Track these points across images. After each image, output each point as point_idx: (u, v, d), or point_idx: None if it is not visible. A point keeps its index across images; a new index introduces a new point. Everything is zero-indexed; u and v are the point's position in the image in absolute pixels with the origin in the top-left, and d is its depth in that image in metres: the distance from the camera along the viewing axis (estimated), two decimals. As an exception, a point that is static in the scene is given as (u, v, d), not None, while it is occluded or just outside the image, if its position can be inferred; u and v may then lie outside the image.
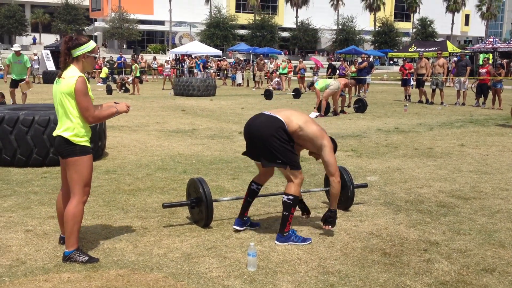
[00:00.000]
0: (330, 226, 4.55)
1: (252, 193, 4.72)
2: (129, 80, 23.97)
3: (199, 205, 4.74)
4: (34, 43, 62.72)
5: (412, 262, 3.98)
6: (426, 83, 19.40)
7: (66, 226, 3.91)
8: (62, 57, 3.98)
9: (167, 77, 28.82)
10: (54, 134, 4.00)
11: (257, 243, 4.32)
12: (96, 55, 4.09)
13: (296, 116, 4.37)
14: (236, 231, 4.62)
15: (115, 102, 4.21)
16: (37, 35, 65.05)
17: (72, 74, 3.88)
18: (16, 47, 13.99)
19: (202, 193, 4.66)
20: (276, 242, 4.35)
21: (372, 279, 3.66)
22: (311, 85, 14.92)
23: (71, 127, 3.89)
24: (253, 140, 4.37)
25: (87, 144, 3.97)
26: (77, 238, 3.94)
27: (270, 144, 4.23)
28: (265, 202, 5.62)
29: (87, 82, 3.93)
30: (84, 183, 3.94)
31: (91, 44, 4.02)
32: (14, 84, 14.01)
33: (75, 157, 3.88)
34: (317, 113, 14.32)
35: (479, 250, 4.26)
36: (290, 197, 4.30)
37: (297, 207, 4.64)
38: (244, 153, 4.65)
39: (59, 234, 4.33)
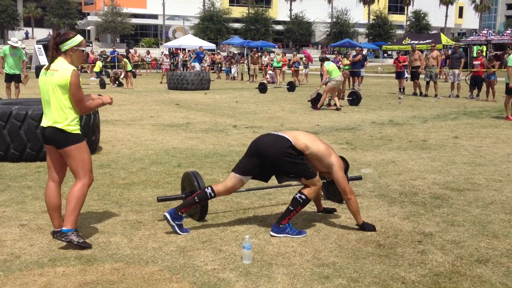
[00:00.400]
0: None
1: (204, 196, 4.46)
2: (121, 76, 23.89)
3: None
4: (27, 37, 62.35)
5: (407, 254, 4.00)
6: (420, 76, 19.44)
7: (68, 206, 4.05)
8: (50, 51, 4.12)
9: (165, 71, 28.22)
10: (44, 125, 4.07)
11: (252, 236, 4.33)
12: (83, 49, 4.18)
13: (303, 136, 4.45)
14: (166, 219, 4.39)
15: (99, 95, 4.40)
16: (29, 29, 64.65)
17: (66, 67, 4.00)
18: (13, 42, 13.70)
19: (196, 186, 4.66)
20: (271, 232, 4.37)
21: (367, 271, 3.68)
22: (323, 60, 14.76)
23: (63, 118, 4.00)
24: (262, 159, 4.37)
25: (79, 131, 4.10)
26: (76, 219, 4.09)
27: (281, 164, 4.31)
28: (260, 195, 5.62)
29: (79, 75, 4.07)
30: (87, 168, 4.12)
31: (78, 38, 4.13)
32: (9, 78, 13.83)
33: (73, 145, 4.03)
34: (317, 89, 14.30)
35: (473, 241, 4.28)
36: (303, 196, 4.35)
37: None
38: (234, 169, 4.54)
39: (52, 229, 4.32)
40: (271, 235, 4.34)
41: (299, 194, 4.37)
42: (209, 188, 4.45)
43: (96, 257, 3.88)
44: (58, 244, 4.11)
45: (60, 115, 4.00)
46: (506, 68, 12.64)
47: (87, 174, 4.12)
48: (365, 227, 4.50)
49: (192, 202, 4.45)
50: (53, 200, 4.24)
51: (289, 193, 5.71)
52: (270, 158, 4.31)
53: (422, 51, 23.98)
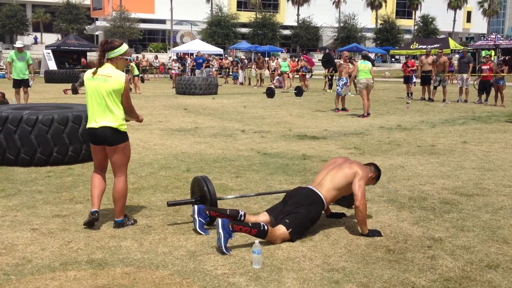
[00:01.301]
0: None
1: (235, 215, 4.49)
2: (129, 79, 23.99)
3: (204, 203, 4.76)
4: (36, 42, 62.78)
5: (416, 259, 4.00)
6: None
7: (119, 201, 4.64)
8: (98, 57, 4.59)
9: (175, 76, 27.90)
10: (95, 126, 4.55)
11: (261, 240, 4.33)
12: (128, 57, 4.68)
13: (332, 180, 4.58)
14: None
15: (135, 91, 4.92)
16: (38, 34, 65.07)
17: (119, 74, 4.51)
18: (18, 43, 13.69)
19: (206, 191, 4.69)
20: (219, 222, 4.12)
21: (377, 276, 3.68)
22: (362, 56, 14.75)
23: (115, 118, 4.53)
24: (290, 200, 4.52)
25: (126, 130, 4.68)
26: (124, 208, 4.72)
27: (299, 213, 4.37)
28: (269, 200, 5.63)
29: None
30: (127, 163, 4.74)
31: (124, 47, 4.62)
32: (18, 84, 13.80)
33: (124, 142, 4.62)
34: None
35: (483, 246, 4.27)
36: (267, 228, 4.20)
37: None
38: (267, 210, 4.66)
39: (91, 209, 4.69)
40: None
41: (267, 226, 4.22)
42: (242, 211, 4.52)
43: (107, 261, 3.90)
44: (70, 248, 4.15)
45: (113, 116, 4.52)
46: None
47: (126, 169, 4.74)
48: (370, 235, 4.49)
49: (223, 211, 4.50)
50: (102, 187, 4.77)
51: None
52: (296, 205, 4.44)
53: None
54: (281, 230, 4.31)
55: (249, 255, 4.00)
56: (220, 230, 4.04)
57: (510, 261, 3.96)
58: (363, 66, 13.86)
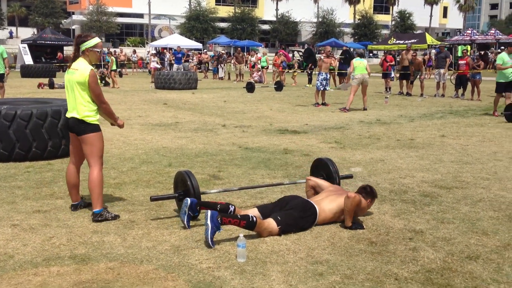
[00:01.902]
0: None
1: (226, 209, 4.53)
2: (108, 74, 23.76)
3: (187, 197, 4.74)
4: (11, 36, 61.69)
5: (398, 251, 4.05)
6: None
7: (94, 191, 4.71)
8: (72, 52, 4.82)
9: (154, 70, 27.30)
10: (68, 116, 4.77)
11: (245, 234, 4.34)
12: (99, 50, 4.79)
13: (332, 203, 4.65)
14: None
15: (117, 117, 5.11)
16: (13, 28, 63.97)
17: (85, 67, 4.66)
18: None
19: (190, 185, 4.68)
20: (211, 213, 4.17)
21: (360, 268, 3.72)
22: (357, 54, 14.93)
23: (83, 110, 4.67)
24: (285, 203, 4.59)
25: (98, 122, 4.76)
26: (102, 199, 4.78)
27: (294, 215, 4.44)
28: (252, 194, 5.65)
29: (96, 74, 4.77)
30: (100, 154, 4.79)
31: (94, 40, 4.77)
32: None
33: (91, 133, 4.70)
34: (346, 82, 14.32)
35: (463, 238, 4.34)
36: (255, 219, 4.23)
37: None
38: (258, 206, 4.74)
39: (71, 203, 5.04)
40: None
41: (255, 218, 4.25)
42: (232, 206, 4.53)
43: (90, 257, 3.88)
44: (52, 244, 4.11)
45: (80, 108, 4.67)
46: (496, 66, 12.88)
47: (99, 160, 4.78)
48: (353, 228, 4.54)
49: (213, 205, 4.51)
50: (72, 179, 4.96)
51: (280, 192, 5.74)
52: (290, 206, 4.51)
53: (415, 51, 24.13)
54: (270, 224, 4.32)
55: (234, 249, 4.01)
56: (209, 222, 4.05)
57: (490, 252, 4.03)
58: (358, 63, 14.13)
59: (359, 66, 14.03)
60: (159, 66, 28.93)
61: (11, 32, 62.69)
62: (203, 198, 5.15)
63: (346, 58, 22.63)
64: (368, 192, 4.87)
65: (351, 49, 34.97)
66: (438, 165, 7.15)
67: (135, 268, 3.69)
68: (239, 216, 4.24)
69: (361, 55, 15.10)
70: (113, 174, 6.54)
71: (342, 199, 4.62)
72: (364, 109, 14.10)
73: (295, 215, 4.45)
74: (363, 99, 14.35)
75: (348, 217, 4.54)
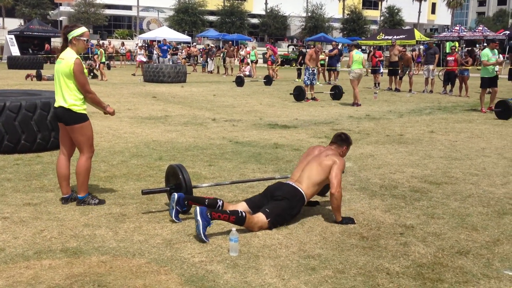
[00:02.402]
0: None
1: (214, 203, 4.54)
2: (96, 66, 23.57)
3: (179, 192, 4.74)
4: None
5: (389, 246, 4.08)
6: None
7: (79, 177, 4.85)
8: (62, 41, 4.89)
9: (140, 64, 27.05)
10: (56, 105, 4.82)
11: (238, 228, 4.35)
12: (85, 38, 4.80)
13: (313, 174, 4.61)
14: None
15: (107, 105, 5.11)
16: (0, 19, 63.19)
17: (70, 56, 4.70)
18: None
19: (182, 179, 4.67)
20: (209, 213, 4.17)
21: (352, 262, 3.74)
22: (354, 45, 14.91)
23: (70, 99, 4.72)
24: (271, 195, 4.56)
25: (85, 111, 4.81)
26: (87, 186, 4.92)
27: (281, 205, 4.43)
28: (243, 188, 5.65)
29: (82, 63, 4.77)
30: (89, 143, 4.87)
31: (81, 29, 4.81)
32: None
33: (79, 123, 4.75)
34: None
35: (453, 233, 4.39)
36: (244, 215, 4.24)
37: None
38: (246, 200, 4.71)
39: (61, 196, 5.06)
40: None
41: (244, 213, 4.26)
42: (220, 200, 4.54)
43: (82, 250, 3.86)
44: (43, 237, 4.09)
45: (67, 97, 4.72)
46: (481, 62, 12.99)
47: (89, 148, 4.87)
48: (344, 222, 4.56)
49: (201, 201, 4.51)
50: (63, 171, 4.95)
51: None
52: (278, 199, 4.48)
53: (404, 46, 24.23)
54: (260, 217, 4.33)
55: (226, 243, 4.02)
56: (199, 218, 4.05)
57: (480, 247, 4.08)
58: (357, 56, 14.05)
59: (358, 60, 14.03)
60: (144, 59, 28.53)
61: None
62: (195, 192, 5.15)
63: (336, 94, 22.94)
64: (343, 139, 4.94)
65: (339, 45, 34.92)
66: (428, 161, 7.21)
67: (127, 262, 3.68)
68: (228, 212, 4.25)
69: (359, 47, 15.04)
70: (103, 167, 6.51)
71: (321, 166, 4.59)
72: (355, 104, 14.09)
73: (283, 205, 4.44)
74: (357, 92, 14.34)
75: (337, 213, 4.56)
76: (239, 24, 63.72)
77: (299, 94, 14.84)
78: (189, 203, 4.54)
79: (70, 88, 4.73)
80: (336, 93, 15.73)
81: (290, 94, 15.24)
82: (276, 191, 4.59)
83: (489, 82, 12.90)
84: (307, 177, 4.64)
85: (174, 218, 4.48)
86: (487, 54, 12.69)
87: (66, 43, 4.82)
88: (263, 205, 4.52)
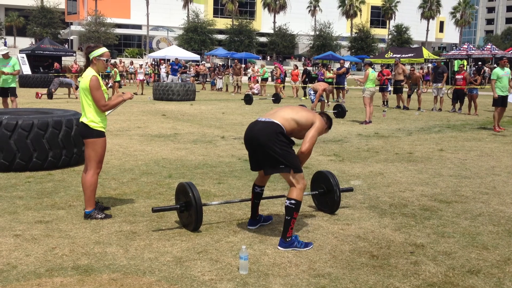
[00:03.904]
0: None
1: (257, 195, 4.95)
2: (109, 85, 23.77)
3: (189, 209, 4.77)
4: (5, 45, 61.77)
5: (400, 265, 4.07)
6: (404, 89, 19.74)
7: (85, 192, 5.05)
8: (85, 61, 5.19)
9: (140, 82, 26.81)
10: (80, 120, 5.10)
11: (246, 246, 4.36)
12: (105, 59, 5.05)
13: (288, 112, 4.52)
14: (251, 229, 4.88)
15: (122, 93, 5.31)
16: (11, 38, 64.07)
17: (88, 74, 4.97)
18: (3, 50, 11.90)
19: (191, 197, 4.69)
20: (279, 247, 4.36)
21: (362, 281, 3.74)
22: (368, 64, 15.05)
23: (89, 116, 4.98)
24: (255, 148, 4.48)
25: (102, 129, 5.04)
26: (93, 201, 5.09)
27: (272, 150, 4.32)
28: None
29: (100, 80, 5.00)
30: (98, 159, 5.07)
31: (101, 50, 5.06)
32: (4, 93, 12.15)
33: (92, 138, 4.99)
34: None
35: (464, 252, 4.37)
36: (293, 201, 4.33)
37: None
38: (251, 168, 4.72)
39: (75, 212, 5.32)
40: (279, 249, 4.33)
41: (288, 201, 4.34)
42: (256, 188, 4.92)
43: (93, 268, 3.88)
44: (54, 255, 4.12)
45: (87, 113, 4.99)
46: (490, 81, 13.00)
47: (97, 165, 5.07)
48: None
49: (254, 205, 4.95)
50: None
51: (281, 204, 5.77)
52: (262, 146, 4.36)
53: (404, 65, 24.29)
54: (290, 179, 4.39)
55: (236, 261, 4.03)
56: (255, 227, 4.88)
57: (491, 266, 4.06)
58: (372, 75, 14.21)
59: (373, 79, 14.21)
60: (142, 78, 28.04)
61: (5, 42, 62.63)
62: (204, 210, 5.20)
63: (339, 112, 23.09)
64: (327, 120, 4.84)
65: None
66: (437, 179, 7.20)
67: (138, 280, 3.70)
68: (256, 201, 4.94)
69: (372, 65, 15.22)
70: (114, 185, 6.55)
71: (305, 111, 4.59)
72: (365, 122, 14.14)
73: (278, 151, 4.31)
74: (370, 110, 14.38)
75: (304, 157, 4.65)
76: (248, 43, 64.27)
77: (250, 100, 14.95)
78: (257, 215, 4.97)
79: (90, 105, 4.98)
80: (339, 111, 15.76)
81: (241, 99, 15.30)
82: (251, 134, 4.50)
83: (502, 101, 12.77)
84: (288, 113, 4.52)
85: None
86: (497, 73, 12.70)
87: (88, 62, 5.09)
88: (256, 160, 4.54)
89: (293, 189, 4.38)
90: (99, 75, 5.12)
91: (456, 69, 31.01)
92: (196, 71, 34.73)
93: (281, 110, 4.60)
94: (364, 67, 15.66)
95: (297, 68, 26.87)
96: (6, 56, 11.93)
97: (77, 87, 27.29)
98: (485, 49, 40.04)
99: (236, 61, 31.01)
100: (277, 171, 4.42)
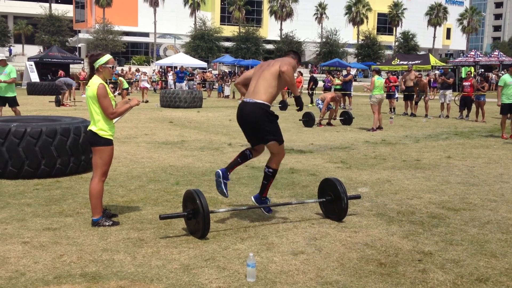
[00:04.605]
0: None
1: (244, 156, 5.36)
2: (116, 93, 23.86)
3: (196, 217, 4.78)
4: (10, 54, 62.21)
5: (408, 272, 4.06)
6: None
7: (91, 199, 5.06)
8: (89, 70, 5.19)
9: (143, 89, 26.62)
10: (88, 128, 5.14)
11: (254, 253, 4.36)
12: (111, 65, 5.11)
13: (264, 85, 5.14)
14: (219, 181, 5.24)
15: (129, 99, 5.34)
16: (19, 46, 64.51)
17: (95, 82, 5.00)
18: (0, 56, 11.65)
19: (199, 204, 4.70)
20: (252, 197, 5.41)
21: (370, 289, 3.72)
22: (375, 71, 15.12)
23: (97, 124, 5.02)
24: (248, 126, 5.23)
25: (110, 137, 5.07)
26: (100, 208, 5.11)
27: (262, 127, 5.11)
28: (260, 213, 5.66)
29: (107, 88, 5.04)
30: (105, 167, 5.09)
31: (106, 57, 5.10)
32: (2, 101, 11.97)
33: (100, 146, 5.02)
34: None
35: (472, 260, 4.35)
36: (271, 170, 5.27)
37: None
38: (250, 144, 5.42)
39: (84, 219, 5.35)
40: (252, 201, 5.38)
41: (267, 169, 5.27)
42: (247, 150, 5.35)
43: (101, 275, 3.89)
44: (62, 262, 4.13)
45: (96, 122, 5.02)
46: (497, 88, 12.92)
47: (103, 172, 5.09)
48: (299, 102, 5.47)
49: (236, 162, 5.33)
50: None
51: (287, 211, 5.77)
52: (254, 125, 5.13)
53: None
54: (275, 149, 5.21)
55: (243, 268, 4.02)
56: (221, 180, 5.18)
57: (499, 274, 4.04)
58: (379, 82, 14.26)
59: (380, 86, 14.26)
60: (148, 85, 27.88)
61: (10, 50, 63.12)
62: (212, 217, 5.20)
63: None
64: (294, 54, 5.51)
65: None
66: (445, 187, 7.17)
67: (145, 287, 3.70)
68: (239, 160, 5.30)
69: (379, 72, 15.30)
70: (121, 192, 6.58)
71: (269, 71, 5.15)
72: (379, 127, 14.21)
73: (265, 127, 5.10)
74: (379, 117, 14.38)
75: (294, 88, 5.25)
76: (254, 50, 64.37)
77: (308, 121, 14.92)
78: (230, 171, 5.28)
79: (97, 113, 5.03)
80: (346, 118, 15.75)
81: (300, 120, 15.30)
82: (246, 121, 5.18)
83: (508, 108, 12.67)
84: (261, 86, 5.15)
85: (225, 191, 5.23)
86: (505, 80, 12.56)
87: (92, 71, 5.12)
88: (251, 135, 5.26)
89: (273, 159, 5.25)
90: (106, 82, 5.15)
91: (463, 76, 30.94)
92: (202, 78, 34.81)
93: (258, 85, 5.19)
94: (372, 73, 15.72)
95: (301, 75, 26.79)
96: (3, 63, 11.53)
97: (77, 88, 27.46)
98: (492, 56, 39.96)
99: (242, 69, 31.07)
100: (267, 142, 5.18)
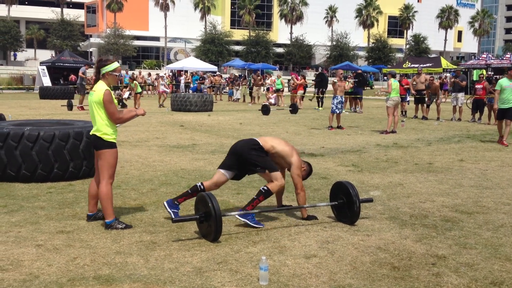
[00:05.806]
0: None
1: (195, 189, 5.37)
2: (125, 96, 23.99)
3: (208, 220, 4.78)
4: (15, 59, 62.87)
5: (422, 276, 4.03)
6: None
7: (102, 203, 5.13)
8: (94, 74, 5.30)
9: (161, 93, 26.13)
10: (91, 132, 5.21)
11: (267, 257, 4.35)
12: (117, 74, 5.24)
13: (271, 139, 5.53)
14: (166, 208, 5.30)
15: (136, 107, 5.11)
16: (31, 50, 65.09)
17: (101, 88, 5.09)
18: None
19: (211, 207, 4.71)
20: (236, 214, 5.21)
21: (383, 293, 3.71)
22: (391, 74, 15.19)
23: (101, 128, 5.08)
24: (237, 156, 5.39)
25: (114, 140, 5.15)
26: (112, 211, 5.14)
27: (250, 156, 5.30)
28: (271, 217, 5.66)
29: (112, 94, 5.14)
30: (111, 170, 5.15)
31: (114, 65, 5.23)
32: None
33: (104, 149, 5.08)
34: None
35: (486, 264, 4.31)
36: (266, 188, 5.26)
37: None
38: (219, 166, 5.58)
39: (87, 213, 5.51)
40: (236, 217, 5.23)
41: (263, 187, 5.30)
42: (199, 183, 5.41)
43: (114, 277, 3.91)
44: (76, 264, 4.15)
45: (99, 126, 5.09)
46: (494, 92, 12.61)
47: (109, 175, 5.15)
48: (308, 219, 5.50)
49: (186, 194, 5.39)
50: (92, 191, 5.35)
51: (299, 214, 5.76)
52: (242, 154, 5.33)
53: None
54: (268, 178, 5.35)
55: (255, 271, 4.02)
56: (169, 210, 5.24)
57: (514, 278, 4.00)
58: (395, 84, 14.30)
59: (396, 88, 14.28)
60: (167, 90, 27.92)
61: (15, 54, 63.73)
62: (224, 220, 5.20)
63: (360, 81, 22.78)
64: (307, 165, 5.77)
65: (365, 73, 34.98)
66: (458, 190, 7.12)
67: (158, 290, 3.71)
68: (189, 191, 5.36)
69: (395, 76, 15.38)
70: (134, 195, 6.60)
71: (285, 144, 5.54)
72: (393, 131, 14.18)
73: (254, 158, 5.30)
74: (394, 120, 14.35)
75: (304, 209, 5.50)
76: (265, 54, 64.44)
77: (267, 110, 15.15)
78: (179, 201, 5.34)
79: (102, 118, 5.09)
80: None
81: (259, 110, 15.43)
82: (236, 146, 5.49)
83: (503, 113, 12.08)
84: (270, 140, 5.50)
85: (173, 216, 5.14)
86: (501, 84, 11.98)
87: (98, 76, 5.21)
88: (232, 162, 5.42)
89: (272, 183, 5.28)
90: (111, 88, 5.25)
91: (475, 78, 30.77)
92: (210, 82, 34.86)
93: (268, 137, 5.64)
94: (387, 77, 15.74)
95: (304, 78, 26.70)
96: None
97: (87, 92, 27.54)
98: (504, 58, 39.67)
99: (258, 72, 31.07)
100: (255, 171, 5.38)
